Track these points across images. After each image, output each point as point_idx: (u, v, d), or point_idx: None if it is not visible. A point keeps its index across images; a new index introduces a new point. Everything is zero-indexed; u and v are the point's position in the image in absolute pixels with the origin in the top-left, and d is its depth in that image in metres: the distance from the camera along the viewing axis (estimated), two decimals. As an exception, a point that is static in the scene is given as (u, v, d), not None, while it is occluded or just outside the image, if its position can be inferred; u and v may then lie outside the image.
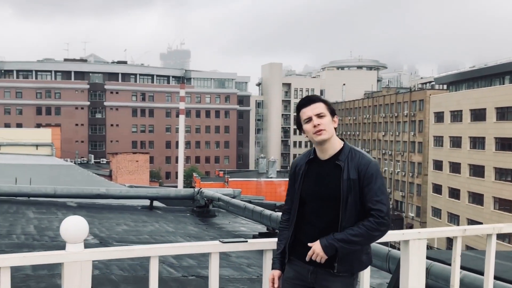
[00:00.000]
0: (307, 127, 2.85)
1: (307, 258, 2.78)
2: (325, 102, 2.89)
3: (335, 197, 2.78)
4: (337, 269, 2.79)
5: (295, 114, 3.00)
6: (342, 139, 2.92)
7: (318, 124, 2.81)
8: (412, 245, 3.31)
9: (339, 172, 2.79)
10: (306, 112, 2.85)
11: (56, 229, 9.24)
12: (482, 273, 4.80)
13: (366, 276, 3.29)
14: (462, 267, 5.05)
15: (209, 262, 2.96)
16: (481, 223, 48.48)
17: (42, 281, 5.69)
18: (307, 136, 2.91)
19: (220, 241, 3.00)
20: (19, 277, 5.59)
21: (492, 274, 3.56)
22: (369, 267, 3.21)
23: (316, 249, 2.73)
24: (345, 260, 2.79)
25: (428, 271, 5.17)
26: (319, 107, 2.84)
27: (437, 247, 42.94)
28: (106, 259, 2.93)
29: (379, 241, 3.02)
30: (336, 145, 2.88)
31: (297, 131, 78.36)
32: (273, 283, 2.95)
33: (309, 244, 2.78)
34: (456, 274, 3.49)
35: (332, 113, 2.88)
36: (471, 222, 50.79)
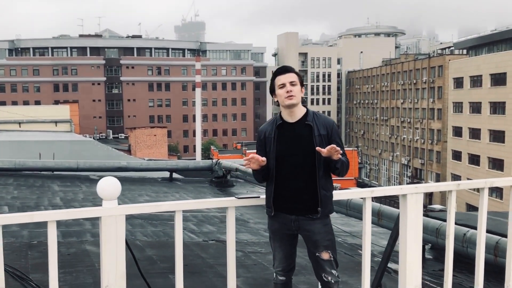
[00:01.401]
0: (280, 91, 3.32)
1: (326, 150, 3.10)
2: (297, 73, 3.36)
3: (310, 151, 3.23)
4: (321, 213, 3.26)
5: (270, 81, 3.43)
6: (304, 106, 3.39)
7: (291, 90, 3.27)
8: (410, 199, 3.54)
9: (310, 130, 3.27)
10: (281, 79, 3.32)
11: (82, 201, 9.56)
12: (492, 232, 4.95)
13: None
14: (472, 227, 5.23)
15: (226, 216, 3.28)
16: (501, 189, 48.21)
17: (72, 246, 5.96)
18: (276, 100, 3.37)
19: (235, 197, 3.36)
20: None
21: (485, 228, 3.77)
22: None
23: (334, 146, 3.12)
24: (325, 205, 3.27)
25: (438, 231, 5.39)
26: (292, 77, 3.31)
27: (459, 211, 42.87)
28: (137, 213, 3.24)
29: (377, 196, 3.58)
30: (302, 110, 3.36)
31: (315, 100, 77.73)
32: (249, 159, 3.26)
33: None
34: (451, 226, 3.70)
35: (301, 84, 3.35)
36: (491, 188, 50.47)
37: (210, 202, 3.56)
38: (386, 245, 4.52)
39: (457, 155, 57.93)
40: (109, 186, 2.85)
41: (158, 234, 7.00)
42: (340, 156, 3.17)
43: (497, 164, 50.11)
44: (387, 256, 4.35)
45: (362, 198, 3.53)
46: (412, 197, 3.55)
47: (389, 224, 6.02)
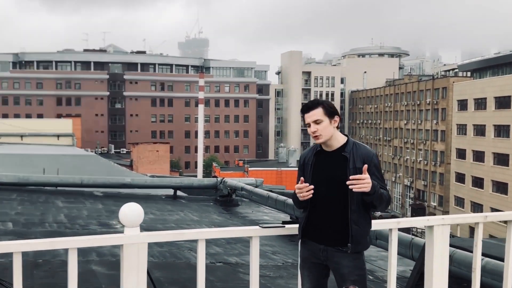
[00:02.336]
0: (308, 130, 3.33)
1: (351, 180, 3.04)
2: (324, 105, 3.25)
3: (342, 183, 3.12)
4: (351, 248, 3.17)
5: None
6: (345, 135, 3.33)
7: (315, 131, 3.24)
8: (436, 230, 3.52)
9: (345, 162, 3.19)
10: (306, 119, 3.30)
11: (86, 218, 9.36)
12: (503, 260, 4.73)
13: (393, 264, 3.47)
14: (485, 254, 5.02)
15: (250, 245, 3.22)
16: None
17: (78, 267, 5.67)
18: None
19: (260, 226, 3.29)
20: (56, 263, 5.77)
21: None
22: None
23: (368, 179, 3.04)
24: (356, 241, 3.17)
25: (451, 258, 5.16)
26: (316, 114, 3.23)
27: (460, 236, 42.48)
28: (160, 241, 3.29)
29: (403, 227, 3.59)
30: (339, 139, 3.28)
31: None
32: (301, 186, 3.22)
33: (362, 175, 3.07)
34: (477, 259, 3.65)
35: (332, 114, 3.24)
36: (495, 211, 50.12)
37: (234, 231, 3.52)
38: (409, 278, 4.42)
39: (460, 178, 57.71)
40: (132, 212, 2.81)
41: (165, 255, 6.81)
42: (369, 190, 3.05)
43: (501, 188, 49.88)
44: (411, 287, 4.30)
45: (389, 229, 3.46)
46: (439, 228, 3.52)
47: (400, 250, 5.84)
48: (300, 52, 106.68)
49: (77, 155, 32.38)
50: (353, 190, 3.05)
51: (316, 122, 3.22)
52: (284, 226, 3.43)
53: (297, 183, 3.32)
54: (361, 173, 3.10)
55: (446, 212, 60.79)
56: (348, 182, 3.05)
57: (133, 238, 2.82)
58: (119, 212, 2.83)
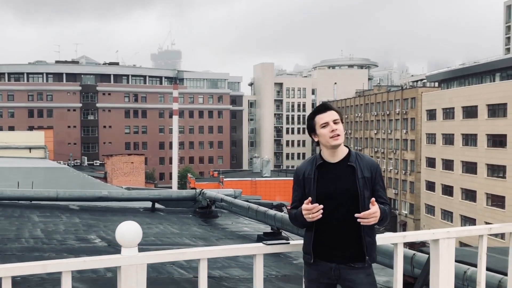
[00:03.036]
0: (323, 131, 3.08)
1: (361, 215, 2.91)
2: (337, 111, 3.15)
3: (353, 193, 3.02)
4: (368, 261, 3.05)
5: (308, 120, 3.22)
6: (345, 145, 3.18)
7: (336, 129, 3.06)
8: (442, 244, 3.43)
9: (353, 172, 3.05)
10: (324, 117, 3.09)
11: (63, 232, 9.29)
12: (490, 270, 4.80)
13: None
14: (465, 263, 5.12)
15: (253, 263, 3.09)
16: (474, 220, 48.94)
17: (57, 284, 5.75)
18: (317, 141, 3.16)
19: (263, 243, 3.12)
20: (35, 280, 5.65)
21: None
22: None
23: (376, 209, 2.92)
24: (370, 253, 3.05)
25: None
26: (334, 114, 3.10)
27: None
28: (160, 262, 3.02)
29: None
30: (343, 150, 3.14)
31: (290, 130, 77.84)
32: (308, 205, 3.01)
33: (370, 209, 2.93)
34: (482, 273, 3.57)
35: (342, 121, 3.15)
36: (465, 218, 51.25)
37: (237, 249, 3.32)
38: None
39: (430, 186, 58.80)
40: (129, 231, 2.66)
41: (147, 270, 6.79)
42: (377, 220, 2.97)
43: (470, 195, 51.01)
44: None
45: (393, 244, 3.35)
46: (444, 242, 3.43)
47: (383, 259, 5.82)
48: (272, 63, 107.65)
49: (50, 167, 31.95)
50: (361, 223, 2.93)
51: (335, 121, 3.08)
52: (288, 243, 3.25)
53: (294, 196, 3.18)
54: (369, 182, 3.04)
55: (417, 220, 61.82)
56: (359, 215, 2.92)
57: (131, 259, 2.65)
58: (116, 231, 2.66)
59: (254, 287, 3.09)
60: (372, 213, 2.91)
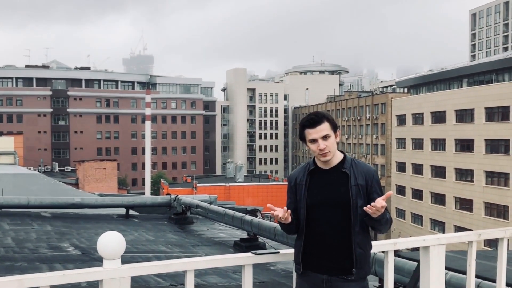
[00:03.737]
0: (312, 147, 2.94)
1: (373, 209, 2.76)
2: (328, 119, 2.97)
3: (345, 202, 2.89)
4: (356, 274, 2.90)
5: (299, 128, 3.10)
6: (340, 150, 3.05)
7: (324, 148, 2.91)
8: (432, 250, 3.33)
9: (347, 179, 2.92)
10: (312, 134, 2.93)
11: (35, 241, 9.14)
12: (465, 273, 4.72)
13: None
14: (449, 268, 5.13)
15: (242, 274, 2.98)
16: (443, 223, 49.94)
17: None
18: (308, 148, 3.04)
19: (252, 252, 3.01)
20: None
21: (504, 279, 3.64)
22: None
23: (385, 204, 2.77)
24: (360, 265, 2.92)
25: None
26: (324, 129, 2.92)
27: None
28: (144, 274, 2.93)
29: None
30: (338, 155, 3.01)
31: (262, 135, 77.82)
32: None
33: (378, 201, 2.79)
34: (472, 280, 3.48)
35: (335, 128, 2.97)
36: (434, 222, 52.23)
37: (225, 260, 3.13)
38: None
39: (401, 190, 59.68)
40: (111, 243, 2.50)
41: (135, 279, 6.76)
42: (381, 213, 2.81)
43: (439, 199, 51.99)
44: None
45: (383, 251, 3.27)
46: (435, 249, 3.34)
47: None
48: (244, 69, 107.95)
49: (19, 173, 31.41)
50: (373, 216, 2.80)
51: (325, 138, 2.90)
52: (278, 252, 3.13)
53: (287, 206, 3.05)
54: (363, 190, 2.91)
55: (388, 224, 62.57)
56: (367, 208, 2.78)
57: (114, 272, 2.51)
58: (97, 242, 2.53)
59: None
60: (384, 205, 2.76)
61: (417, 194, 55.95)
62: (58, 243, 8.85)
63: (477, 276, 4.08)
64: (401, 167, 59.95)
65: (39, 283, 2.41)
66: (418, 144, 56.30)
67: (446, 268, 4.99)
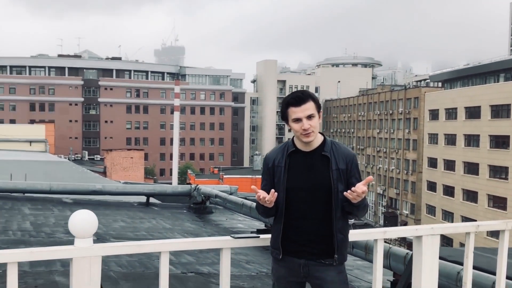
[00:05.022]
0: (295, 126, 2.83)
1: (353, 194, 2.70)
2: (314, 99, 2.86)
3: (325, 186, 2.81)
4: (337, 260, 2.85)
5: (281, 106, 2.94)
6: (320, 133, 2.93)
7: (308, 127, 2.80)
8: (425, 241, 3.29)
9: (327, 162, 2.83)
10: (297, 112, 2.81)
11: (53, 225, 9.17)
12: (480, 269, 4.66)
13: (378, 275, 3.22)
14: (459, 263, 4.95)
15: (220, 257, 2.95)
16: (475, 221, 48.73)
17: (40, 277, 5.61)
18: (289, 128, 2.91)
19: (231, 236, 2.96)
20: (19, 274, 5.55)
21: (505, 272, 3.52)
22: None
23: (366, 189, 2.71)
24: (341, 251, 2.85)
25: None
26: (309, 108, 2.81)
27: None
28: (114, 254, 2.90)
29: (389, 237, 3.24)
30: (318, 138, 2.90)
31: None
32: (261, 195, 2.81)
33: (358, 186, 2.72)
34: (468, 272, 3.46)
35: (319, 108, 2.88)
36: (465, 219, 51.01)
37: (202, 243, 3.10)
38: None
39: (432, 186, 58.62)
40: (83, 221, 2.47)
41: (134, 265, 6.60)
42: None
43: (471, 196, 50.83)
44: None
45: (374, 239, 3.22)
46: (428, 239, 3.29)
47: (371, 257, 5.77)
48: (275, 61, 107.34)
49: (48, 161, 31.89)
50: (353, 201, 2.73)
51: (309, 117, 2.80)
52: (258, 237, 3.08)
53: (262, 188, 2.91)
54: (344, 174, 2.83)
55: (417, 220, 61.58)
56: (347, 193, 2.71)
57: (84, 251, 2.50)
58: (68, 221, 2.53)
59: (220, 282, 2.93)
60: (365, 191, 2.70)
61: (449, 191, 54.83)
62: None
63: (485, 271, 4.03)
64: (432, 162, 58.81)
65: (6, 259, 2.40)
66: (450, 139, 55.12)
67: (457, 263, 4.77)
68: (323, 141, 2.91)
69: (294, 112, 2.82)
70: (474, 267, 4.51)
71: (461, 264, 4.95)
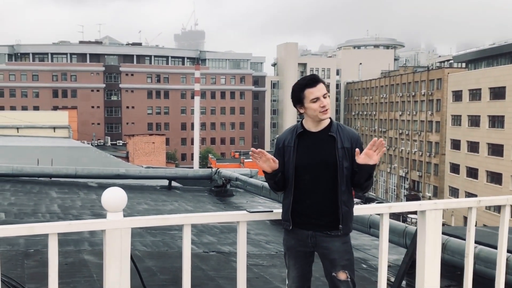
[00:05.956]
0: (314, 106, 3.08)
1: (373, 148, 2.98)
2: (323, 82, 3.17)
3: (332, 163, 3.07)
4: (342, 230, 3.10)
5: (295, 91, 3.17)
6: None
7: (326, 105, 3.09)
8: (429, 215, 3.43)
9: (333, 142, 3.09)
10: (314, 92, 3.09)
11: (80, 208, 9.43)
12: (490, 246, 4.73)
13: (384, 252, 3.40)
14: (478, 242, 5.02)
15: (237, 230, 3.15)
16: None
17: (69, 256, 5.82)
18: (303, 113, 3.16)
19: (247, 210, 3.21)
20: (47, 252, 5.74)
21: (506, 246, 3.64)
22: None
23: (381, 140, 3.01)
24: (346, 222, 3.11)
25: (445, 246, 5.16)
26: (323, 88, 3.12)
27: (455, 225, 42.74)
28: (142, 227, 3.31)
29: (395, 212, 3.45)
30: (325, 120, 3.17)
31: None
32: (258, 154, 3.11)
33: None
34: (470, 245, 3.59)
35: (328, 91, 3.20)
36: (489, 201, 50.46)
37: (220, 216, 3.40)
38: (401, 264, 4.37)
39: (455, 168, 57.97)
40: (114, 197, 2.73)
41: (158, 244, 6.84)
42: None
43: (495, 178, 50.14)
44: (402, 274, 4.22)
45: (379, 214, 3.39)
46: (431, 213, 3.43)
47: (394, 238, 5.85)
48: (296, 43, 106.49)
49: (72, 147, 32.42)
50: (370, 162, 2.99)
51: (325, 96, 3.10)
52: (271, 211, 3.32)
53: None
54: (349, 153, 3.07)
55: (441, 203, 61.08)
56: (378, 140, 2.99)
57: (115, 223, 2.74)
58: (101, 197, 2.78)
59: (237, 253, 3.14)
60: (382, 141, 2.98)
61: (472, 173, 54.16)
62: (101, 211, 9.05)
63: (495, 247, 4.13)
64: (456, 144, 58.06)
65: (47, 231, 2.66)
66: (474, 121, 54.28)
67: (477, 243, 4.83)
68: (329, 123, 3.17)
69: (311, 92, 3.09)
70: (484, 244, 4.72)
71: (485, 244, 5.03)
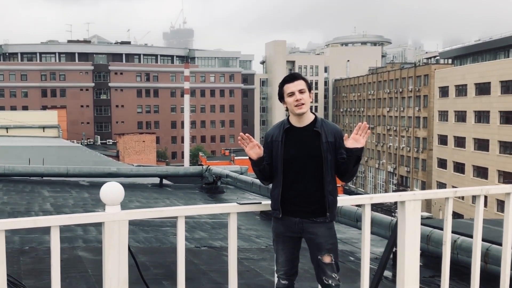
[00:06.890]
0: (289, 100, 3.35)
1: (358, 130, 3.25)
2: (305, 80, 3.41)
3: (317, 156, 3.30)
4: (329, 217, 3.35)
5: (278, 87, 3.45)
6: (312, 112, 3.45)
7: (300, 99, 3.32)
8: (408, 205, 3.57)
9: (318, 137, 3.33)
10: (290, 87, 3.35)
11: (72, 206, 9.54)
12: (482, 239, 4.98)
13: (366, 245, 3.56)
14: (463, 234, 5.26)
15: (228, 221, 3.30)
16: (486, 197, 48.75)
17: (64, 253, 5.97)
18: (286, 108, 3.42)
19: (237, 203, 3.39)
20: (43, 250, 5.89)
21: (480, 235, 3.81)
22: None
23: (364, 123, 3.30)
24: (332, 210, 3.36)
25: (429, 238, 5.39)
26: (301, 84, 3.36)
27: (441, 218, 43.23)
28: (140, 218, 3.29)
29: (376, 203, 3.60)
30: (310, 116, 3.41)
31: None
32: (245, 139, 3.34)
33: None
34: (448, 232, 3.71)
35: (309, 89, 3.40)
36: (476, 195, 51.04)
37: (213, 208, 3.60)
38: (383, 252, 4.53)
39: (442, 163, 58.53)
40: (112, 191, 2.86)
41: (150, 240, 6.98)
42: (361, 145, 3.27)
43: (481, 172, 50.73)
44: (384, 263, 4.37)
45: (360, 205, 3.55)
46: (410, 204, 3.58)
47: (380, 231, 6.06)
48: (284, 41, 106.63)
49: (62, 146, 32.34)
50: (358, 145, 3.22)
51: (301, 91, 3.31)
52: (260, 203, 3.51)
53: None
54: (333, 146, 3.32)
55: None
56: (362, 124, 3.25)
57: (114, 216, 2.86)
58: (100, 191, 2.89)
59: (229, 244, 3.28)
60: (366, 124, 3.29)
61: (459, 168, 54.75)
62: (93, 209, 9.22)
63: (490, 241, 4.52)
64: (443, 140, 58.62)
65: (50, 223, 2.78)
66: (461, 116, 54.83)
67: (461, 234, 5.23)
68: (314, 119, 3.41)
69: (288, 87, 3.36)
70: (468, 235, 4.83)
71: (459, 233, 5.31)
